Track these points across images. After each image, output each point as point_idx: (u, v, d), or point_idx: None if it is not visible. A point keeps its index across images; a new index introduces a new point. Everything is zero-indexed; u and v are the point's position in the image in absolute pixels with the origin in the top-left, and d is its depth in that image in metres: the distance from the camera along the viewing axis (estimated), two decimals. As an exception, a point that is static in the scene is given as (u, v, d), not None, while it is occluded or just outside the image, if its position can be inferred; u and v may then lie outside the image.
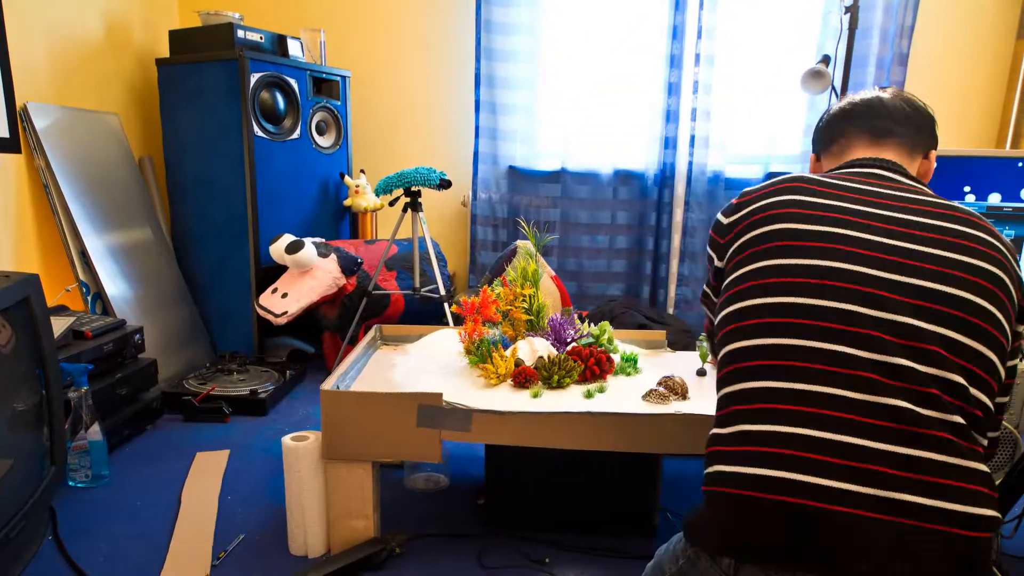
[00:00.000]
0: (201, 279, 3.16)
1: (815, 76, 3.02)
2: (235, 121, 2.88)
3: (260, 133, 2.93)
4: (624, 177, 3.56)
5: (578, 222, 3.61)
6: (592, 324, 2.04)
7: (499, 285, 1.94)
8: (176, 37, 3.04)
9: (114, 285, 2.72)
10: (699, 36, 3.32)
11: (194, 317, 3.12)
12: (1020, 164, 1.53)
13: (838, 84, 3.21)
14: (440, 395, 1.58)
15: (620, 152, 3.54)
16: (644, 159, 3.52)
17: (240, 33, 2.92)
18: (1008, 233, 1.56)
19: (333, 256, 2.92)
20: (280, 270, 2.97)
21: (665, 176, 3.50)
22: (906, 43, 3.32)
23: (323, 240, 3.01)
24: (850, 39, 2.85)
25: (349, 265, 2.92)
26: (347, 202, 3.39)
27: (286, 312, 2.80)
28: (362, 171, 3.46)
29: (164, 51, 3.37)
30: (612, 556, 1.69)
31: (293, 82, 3.06)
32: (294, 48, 3.11)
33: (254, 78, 2.87)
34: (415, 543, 1.73)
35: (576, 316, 3.00)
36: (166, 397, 2.56)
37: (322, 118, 3.27)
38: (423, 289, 3.05)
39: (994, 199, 1.56)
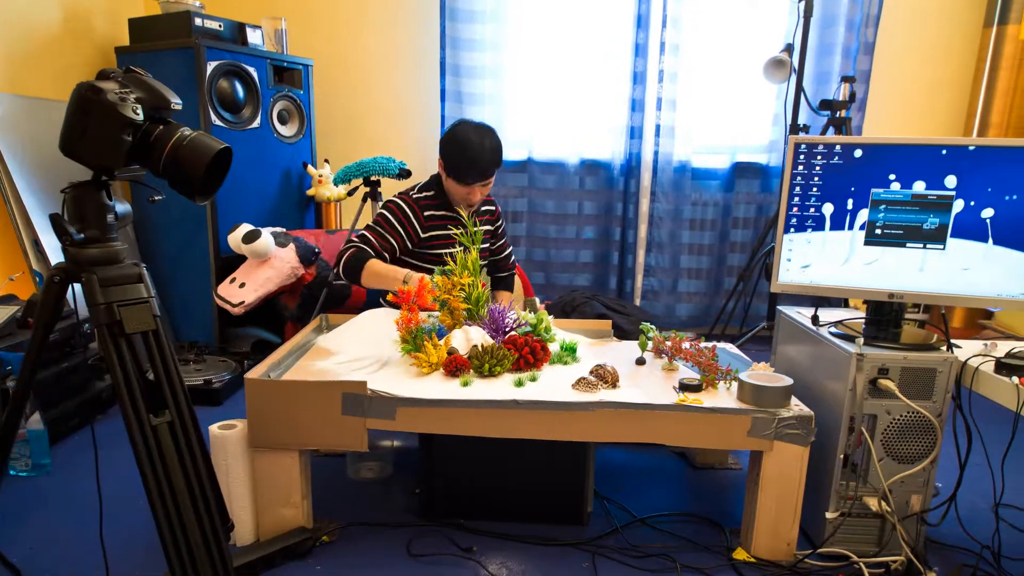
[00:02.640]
0: (162, 269, 3.15)
1: (777, 65, 3.01)
2: (192, 110, 2.87)
3: (218, 122, 2.92)
4: (590, 167, 3.55)
5: (545, 212, 3.60)
6: (546, 314, 2.02)
7: (439, 273, 1.93)
8: (135, 25, 3.03)
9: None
10: (664, 25, 3.31)
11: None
12: (944, 152, 1.52)
13: (804, 73, 3.20)
14: (364, 383, 1.58)
15: (587, 142, 3.53)
16: (610, 149, 3.51)
17: (198, 21, 2.90)
18: (932, 221, 1.56)
19: (292, 246, 2.91)
20: (241, 260, 2.96)
21: (631, 166, 3.49)
22: (872, 32, 3.30)
23: (283, 230, 3.00)
24: (805, 27, 2.84)
25: (307, 255, 2.91)
26: (310, 192, 3.38)
27: (243, 302, 2.80)
28: (326, 160, 3.44)
29: (125, 39, 3.34)
30: (540, 544, 1.70)
31: (252, 71, 3.04)
32: (254, 36, 3.09)
33: (211, 66, 2.86)
34: (347, 531, 1.74)
35: (544, 306, 3.01)
36: (120, 387, 2.56)
37: (284, 107, 3.25)
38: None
39: (919, 187, 1.55)
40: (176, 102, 1.09)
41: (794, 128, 2.93)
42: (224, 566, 1.10)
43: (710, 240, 3.59)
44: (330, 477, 2.03)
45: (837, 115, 3.00)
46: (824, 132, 3.05)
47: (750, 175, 3.51)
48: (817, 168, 1.61)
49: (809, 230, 1.65)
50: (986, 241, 1.54)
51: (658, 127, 3.43)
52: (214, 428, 1.61)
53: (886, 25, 3.41)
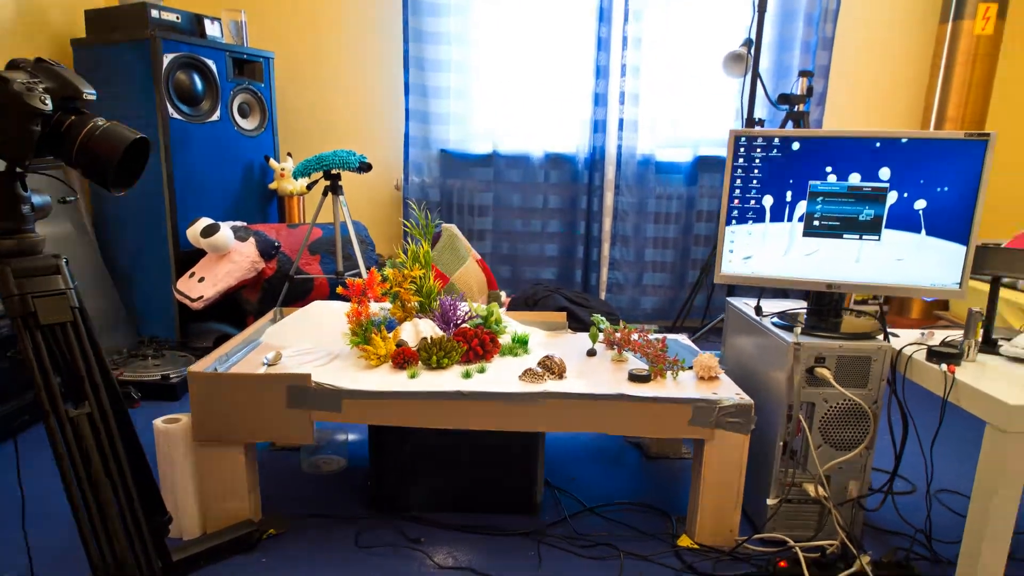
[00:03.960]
0: (123, 265, 3.11)
1: (735, 59, 3.04)
2: (149, 103, 2.83)
3: (176, 115, 2.89)
4: (555, 160, 3.56)
5: (511, 206, 3.61)
6: (497, 307, 2.04)
7: (391, 265, 1.94)
8: (92, 17, 2.98)
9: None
10: (626, 19, 3.32)
11: (116, 304, 3.08)
12: (878, 144, 1.55)
13: (761, 67, 3.24)
14: (308, 376, 1.58)
15: (551, 136, 3.54)
16: (574, 142, 3.52)
17: (155, 13, 2.86)
18: (868, 213, 1.59)
19: (252, 240, 2.89)
20: (202, 255, 2.94)
21: (595, 159, 3.51)
22: (830, 27, 3.34)
23: (244, 224, 2.98)
24: (760, 22, 2.87)
25: (267, 249, 2.90)
26: (273, 185, 3.36)
27: (202, 296, 2.78)
28: (289, 154, 3.42)
29: (82, 32, 3.30)
30: (488, 534, 1.71)
31: (211, 63, 3.01)
32: (212, 29, 3.06)
33: (167, 59, 2.83)
34: (296, 524, 1.74)
35: (508, 300, 3.01)
36: (75, 383, 2.53)
37: (244, 100, 3.23)
38: (347, 273, 3.04)
39: (854, 179, 1.58)
40: (89, 92, 1.08)
41: (749, 122, 2.96)
42: (149, 560, 1.10)
43: (674, 233, 3.62)
44: (284, 471, 2.03)
45: (795, 109, 3.04)
46: (783, 126, 3.09)
47: (713, 168, 3.55)
48: (757, 161, 1.64)
49: (750, 222, 1.68)
50: (919, 232, 1.57)
51: (621, 121, 3.45)
52: (158, 422, 1.61)
53: (844, 20, 3.45)
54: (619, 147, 3.48)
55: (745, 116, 2.96)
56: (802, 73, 3.07)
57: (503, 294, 3.11)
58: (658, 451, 2.20)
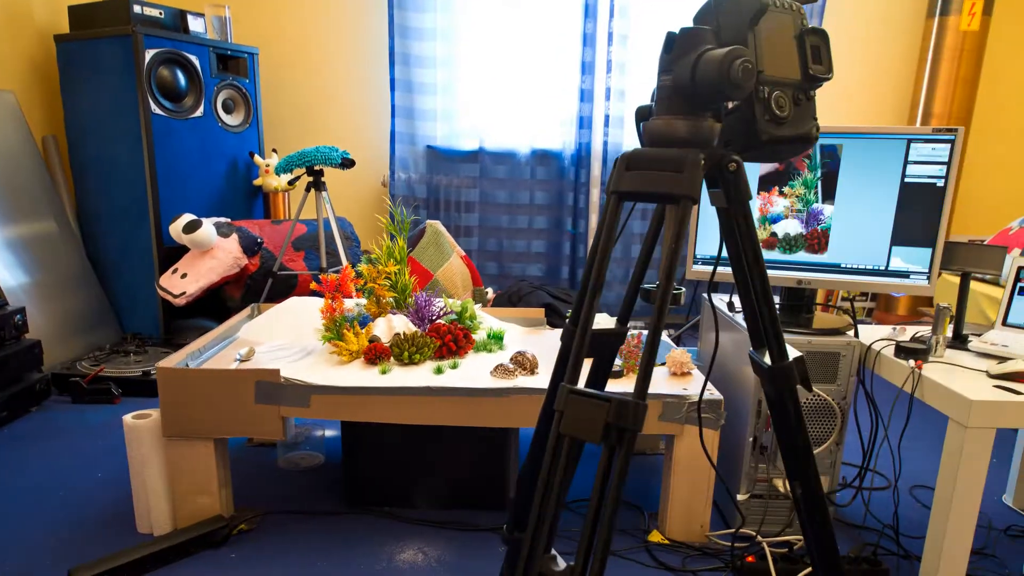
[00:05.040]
0: (107, 261, 3.11)
1: (720, 55, 3.03)
2: (131, 99, 2.83)
3: (158, 111, 2.88)
4: (541, 157, 3.55)
5: (497, 202, 3.61)
6: (472, 303, 2.04)
7: (366, 261, 1.93)
8: (75, 12, 2.97)
9: (7, 272, 2.67)
10: (612, 15, 3.32)
11: (100, 300, 3.07)
12: (836, 140, 1.55)
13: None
14: (277, 371, 1.58)
15: (537, 132, 3.53)
16: (561, 139, 3.52)
17: (137, 8, 2.86)
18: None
19: (234, 236, 2.89)
20: (186, 251, 2.94)
21: (581, 156, 3.50)
22: (817, 21, 3.33)
23: (227, 220, 2.98)
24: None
25: (250, 245, 2.90)
26: (258, 182, 3.35)
27: (184, 293, 2.78)
28: (274, 150, 3.42)
29: (66, 27, 3.29)
30: (459, 530, 1.71)
31: (194, 59, 3.00)
32: (195, 24, 3.05)
33: (149, 54, 2.82)
34: (268, 520, 1.74)
35: (493, 296, 3.01)
36: (55, 379, 2.54)
37: (229, 96, 3.22)
38: (331, 269, 3.04)
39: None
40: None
41: (735, 118, 2.96)
42: None
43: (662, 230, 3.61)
44: (260, 466, 2.03)
45: (780, 105, 3.03)
46: (768, 122, 3.08)
47: (699, 165, 3.53)
48: (727, 156, 1.63)
49: (721, 217, 1.67)
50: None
51: (607, 117, 3.44)
52: (127, 418, 1.61)
53: (830, 16, 3.44)
54: (605, 143, 3.48)
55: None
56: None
57: (490, 290, 3.11)
58: (635, 447, 2.20)
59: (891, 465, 2.04)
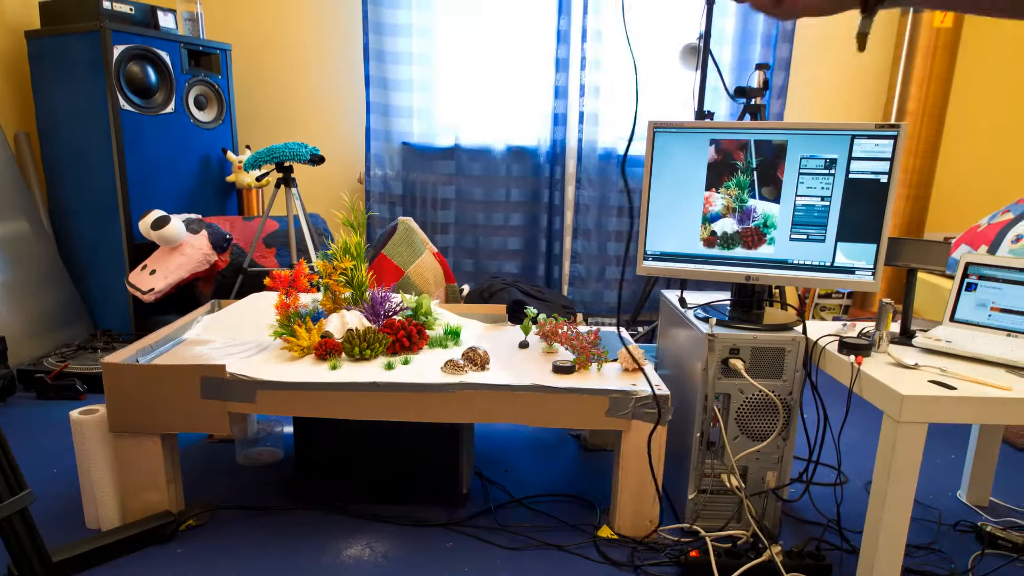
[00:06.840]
0: (79, 258, 3.11)
1: (692, 52, 3.03)
2: (101, 95, 2.82)
3: (127, 107, 2.88)
4: (517, 153, 3.55)
5: (473, 199, 3.60)
6: (428, 298, 2.03)
7: (321, 257, 1.93)
8: (46, 7, 2.96)
9: (-28, 262, 2.67)
10: (585, 11, 3.31)
11: (72, 297, 3.07)
12: (790, 135, 1.55)
13: (723, 60, 3.23)
14: (223, 367, 1.58)
15: (513, 128, 3.53)
16: (535, 135, 3.51)
17: (106, 4, 2.85)
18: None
19: (204, 232, 2.89)
20: (157, 247, 2.93)
21: (556, 152, 3.50)
22: (789, 23, 3.33)
23: (198, 216, 2.98)
24: (708, 15, 2.86)
25: (220, 241, 2.89)
26: (231, 178, 3.35)
27: (153, 289, 2.78)
28: (247, 147, 3.41)
29: (37, 22, 3.28)
30: (410, 525, 1.71)
31: (164, 55, 3.00)
32: (166, 20, 3.05)
33: (118, 50, 2.81)
34: (219, 516, 1.74)
35: (463, 292, 3.01)
36: (21, 375, 2.53)
37: (201, 92, 3.21)
38: (302, 266, 3.03)
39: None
40: None
41: (700, 115, 2.96)
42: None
43: (637, 227, 3.61)
44: (217, 463, 2.03)
45: (752, 102, 3.03)
46: (741, 119, 3.08)
47: (675, 162, 3.53)
48: (674, 152, 1.63)
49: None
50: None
51: (581, 114, 3.44)
52: (74, 413, 1.61)
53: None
54: (579, 140, 3.47)
55: (696, 108, 2.95)
56: (758, 66, 3.05)
57: (466, 287, 3.11)
58: (595, 443, 2.21)
59: (847, 460, 2.04)
